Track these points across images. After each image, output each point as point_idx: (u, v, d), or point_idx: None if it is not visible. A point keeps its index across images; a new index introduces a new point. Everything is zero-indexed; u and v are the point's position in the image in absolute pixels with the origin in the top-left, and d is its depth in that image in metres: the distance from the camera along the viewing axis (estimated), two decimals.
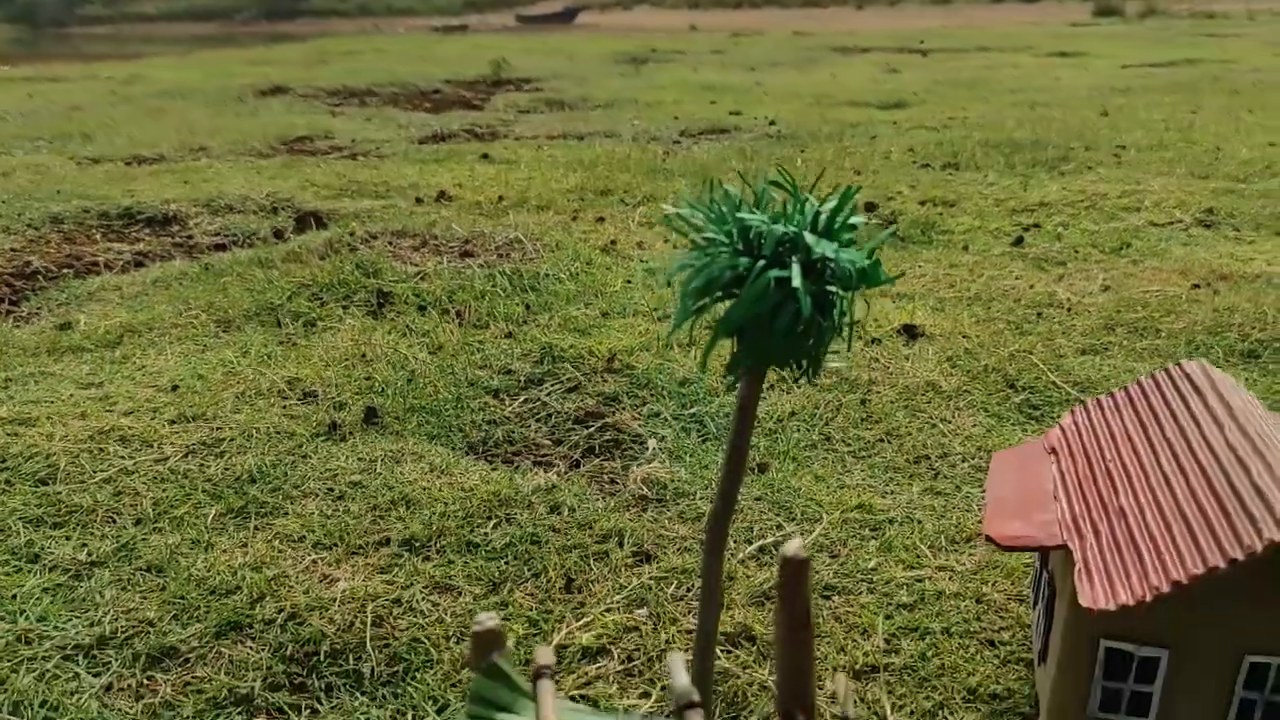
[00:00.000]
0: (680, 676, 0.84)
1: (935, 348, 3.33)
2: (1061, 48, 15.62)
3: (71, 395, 2.98)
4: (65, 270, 4.47)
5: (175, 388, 3.05)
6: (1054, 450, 1.82)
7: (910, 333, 3.49)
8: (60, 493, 2.41)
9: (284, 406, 2.92)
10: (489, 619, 1.08)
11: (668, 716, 0.93)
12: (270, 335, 3.50)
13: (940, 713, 1.74)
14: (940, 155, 6.70)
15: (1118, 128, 7.52)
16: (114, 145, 7.50)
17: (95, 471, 2.51)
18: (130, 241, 5.01)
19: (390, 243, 4.51)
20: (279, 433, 2.74)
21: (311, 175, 6.22)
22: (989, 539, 1.66)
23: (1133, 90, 9.79)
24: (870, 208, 5.31)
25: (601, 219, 5.11)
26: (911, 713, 1.74)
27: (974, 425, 2.81)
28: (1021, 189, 5.65)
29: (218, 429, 2.77)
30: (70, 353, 3.39)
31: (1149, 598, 1.38)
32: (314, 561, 2.14)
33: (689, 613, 1.97)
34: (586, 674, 1.83)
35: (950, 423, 2.82)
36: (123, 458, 2.58)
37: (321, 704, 1.78)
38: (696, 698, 0.75)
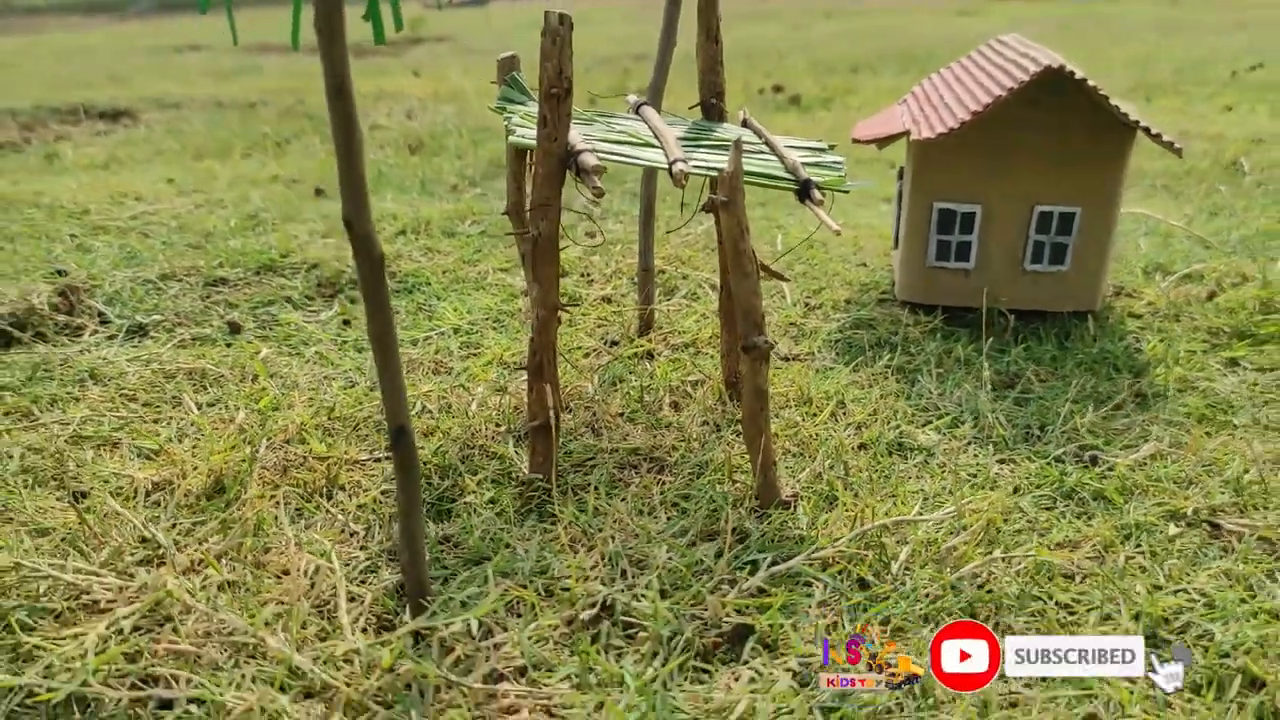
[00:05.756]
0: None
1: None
2: (962, 9, 16.55)
3: (80, 184, 3.41)
4: None
5: (170, 180, 3.49)
6: (905, 101, 2.41)
7: None
8: (95, 219, 2.86)
9: (272, 188, 3.38)
10: (508, 53, 1.62)
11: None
12: (247, 157, 3.96)
13: (823, 292, 2.32)
14: (843, 64, 7.33)
15: None
16: None
17: (120, 214, 2.95)
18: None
19: None
20: (271, 198, 3.20)
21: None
22: (854, 141, 2.24)
23: (1025, 28, 10.63)
24: (778, 89, 5.91)
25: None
26: (804, 290, 2.31)
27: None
28: (916, 84, 6.30)
29: (218, 199, 3.22)
30: (63, 173, 3.79)
31: (958, 125, 1.96)
32: (324, 244, 2.64)
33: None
34: None
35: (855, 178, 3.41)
36: (143, 208, 3.02)
37: (349, 305, 2.28)
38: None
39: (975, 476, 1.51)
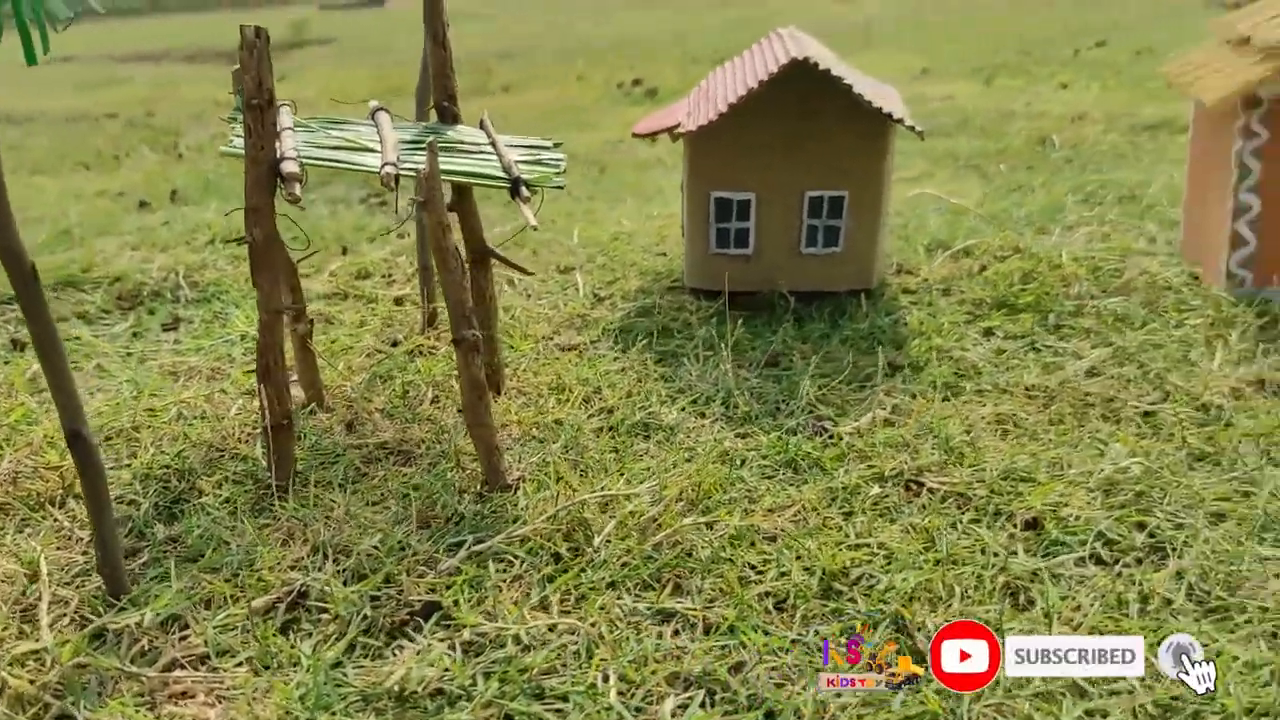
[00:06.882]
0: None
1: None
2: None
3: None
4: None
5: None
6: (690, 97, 2.50)
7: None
8: None
9: (96, 202, 3.35)
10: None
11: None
12: (82, 171, 3.91)
13: (618, 281, 2.40)
14: (709, 56, 7.45)
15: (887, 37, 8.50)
16: None
17: None
18: None
19: (197, 114, 4.93)
20: (91, 213, 3.18)
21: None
22: (634, 135, 2.32)
23: (893, 10, 10.95)
24: (636, 83, 6.01)
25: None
26: (598, 282, 2.39)
27: None
28: None
29: (36, 216, 3.18)
30: None
31: (716, 117, 2.05)
32: (132, 254, 2.63)
33: None
34: None
35: (665, 167, 3.51)
36: None
37: (147, 316, 2.29)
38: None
39: (709, 452, 1.60)
